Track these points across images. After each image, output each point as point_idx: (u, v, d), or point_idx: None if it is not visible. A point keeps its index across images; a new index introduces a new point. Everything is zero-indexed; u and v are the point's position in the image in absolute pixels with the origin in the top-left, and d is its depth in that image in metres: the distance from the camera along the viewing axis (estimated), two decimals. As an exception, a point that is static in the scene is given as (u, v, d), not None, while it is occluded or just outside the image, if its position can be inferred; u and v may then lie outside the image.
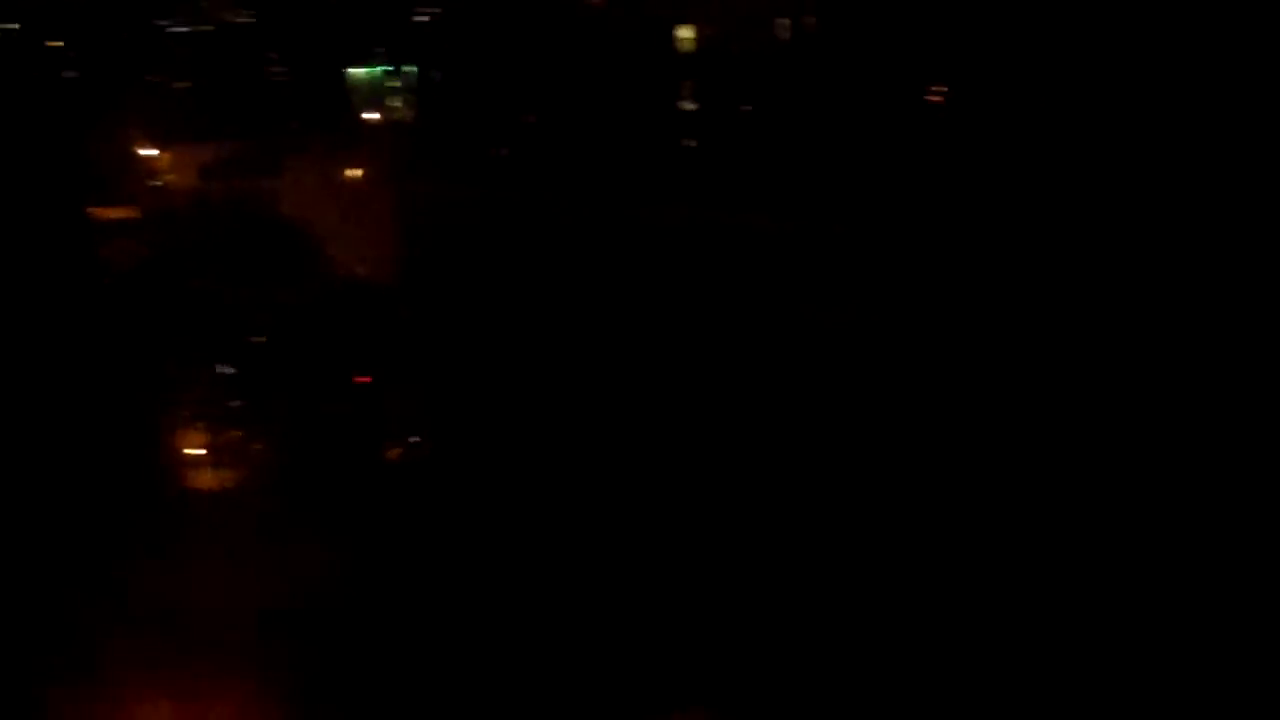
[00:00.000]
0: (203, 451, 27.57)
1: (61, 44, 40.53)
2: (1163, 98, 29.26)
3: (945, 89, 34.07)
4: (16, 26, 39.99)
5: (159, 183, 36.60)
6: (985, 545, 20.96)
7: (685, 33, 38.92)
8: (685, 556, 22.40)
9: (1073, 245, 27.91)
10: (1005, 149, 31.30)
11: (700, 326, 29.96)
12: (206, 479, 27.08)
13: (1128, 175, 28.54)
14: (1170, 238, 26.71)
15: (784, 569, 21.67)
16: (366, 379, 29.53)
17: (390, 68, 43.56)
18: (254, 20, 43.31)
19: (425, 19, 45.89)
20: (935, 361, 26.59)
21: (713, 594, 21.28)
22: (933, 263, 29.69)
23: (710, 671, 19.56)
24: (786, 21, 37.64)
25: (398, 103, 41.67)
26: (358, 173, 36.65)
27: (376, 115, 41.16)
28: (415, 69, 42.41)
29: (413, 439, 28.41)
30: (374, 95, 41.89)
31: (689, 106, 38.47)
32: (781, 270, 31.28)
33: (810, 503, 23.42)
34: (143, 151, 36.55)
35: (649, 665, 19.83)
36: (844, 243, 31.46)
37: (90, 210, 34.73)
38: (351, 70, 42.09)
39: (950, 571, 20.59)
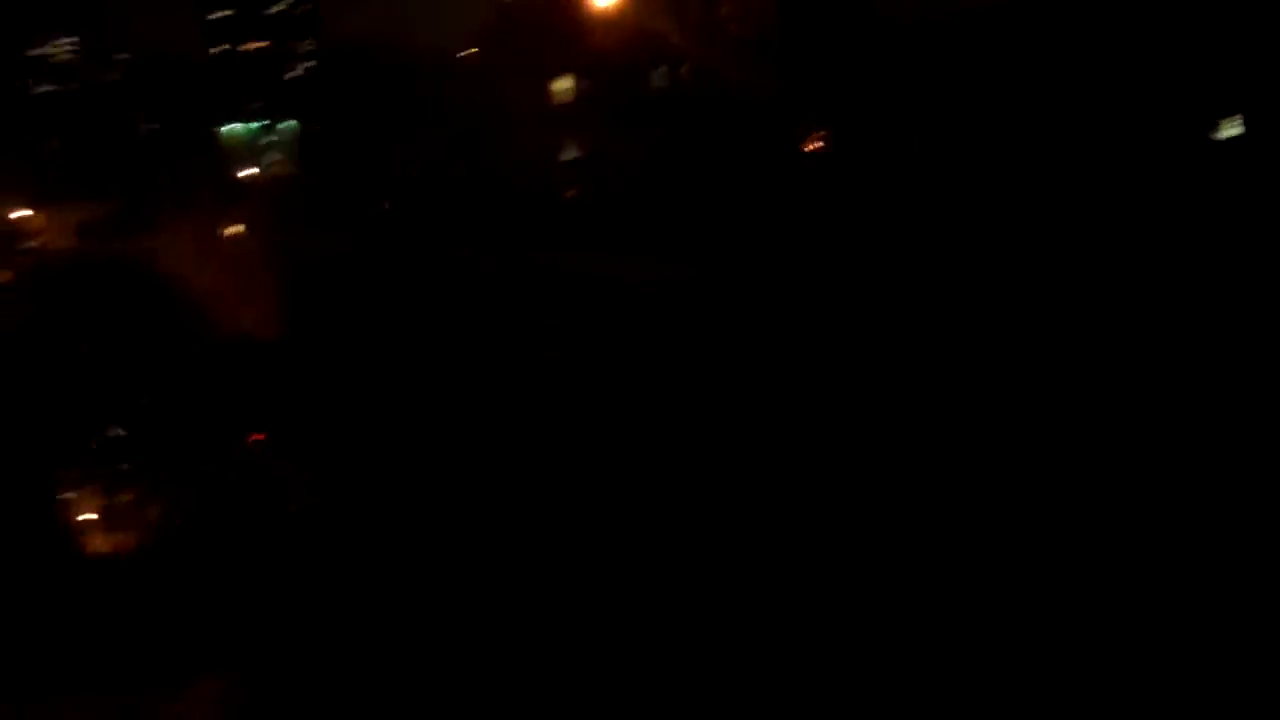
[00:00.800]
0: (94, 516, 27.04)
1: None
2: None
3: (826, 136, 35.00)
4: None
5: (34, 244, 35.96)
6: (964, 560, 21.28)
7: (564, 84, 39.46)
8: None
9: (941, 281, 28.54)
10: (881, 191, 32.10)
11: (581, 368, 30.07)
12: (98, 543, 26.53)
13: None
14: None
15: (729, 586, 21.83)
16: (260, 436, 29.20)
17: (267, 122, 43.39)
18: (124, 79, 42.91)
19: (302, 74, 45.89)
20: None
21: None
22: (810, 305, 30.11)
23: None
24: (664, 70, 38.33)
25: (276, 157, 41.52)
26: (237, 229, 36.38)
27: (254, 170, 40.98)
28: (294, 123, 42.32)
29: (304, 496, 28.14)
30: (251, 151, 41.69)
31: (569, 155, 38.87)
32: (656, 312, 31.53)
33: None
34: (14, 214, 35.93)
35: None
36: (725, 285, 31.86)
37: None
38: (227, 127, 41.85)
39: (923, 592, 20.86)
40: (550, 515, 25.04)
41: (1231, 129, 29.88)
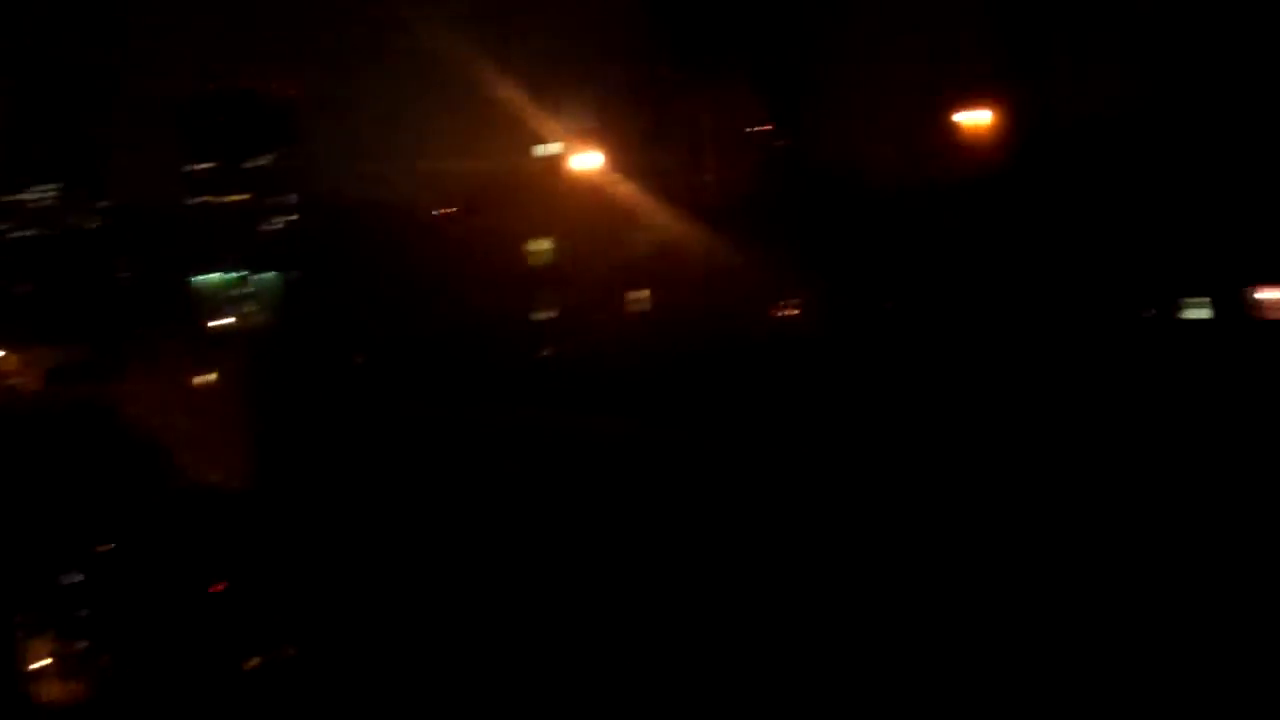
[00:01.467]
0: (48, 662, 26.43)
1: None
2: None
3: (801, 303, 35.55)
4: None
5: (3, 386, 35.72)
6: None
7: (542, 244, 39.93)
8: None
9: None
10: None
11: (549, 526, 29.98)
12: (53, 691, 25.89)
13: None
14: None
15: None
16: (220, 587, 28.72)
17: (244, 274, 43.61)
18: (103, 225, 43.18)
19: (281, 227, 46.30)
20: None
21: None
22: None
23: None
24: (642, 235, 38.90)
25: (251, 308, 41.63)
26: (207, 378, 36.27)
27: (228, 320, 41.02)
28: (271, 274, 42.54)
29: (268, 648, 27.62)
30: (225, 301, 41.81)
31: (543, 315, 39.16)
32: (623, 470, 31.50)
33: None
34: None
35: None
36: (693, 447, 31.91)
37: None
38: (204, 277, 42.02)
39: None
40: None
41: (1197, 310, 30.50)
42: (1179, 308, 31.02)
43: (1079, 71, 34.85)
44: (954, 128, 34.99)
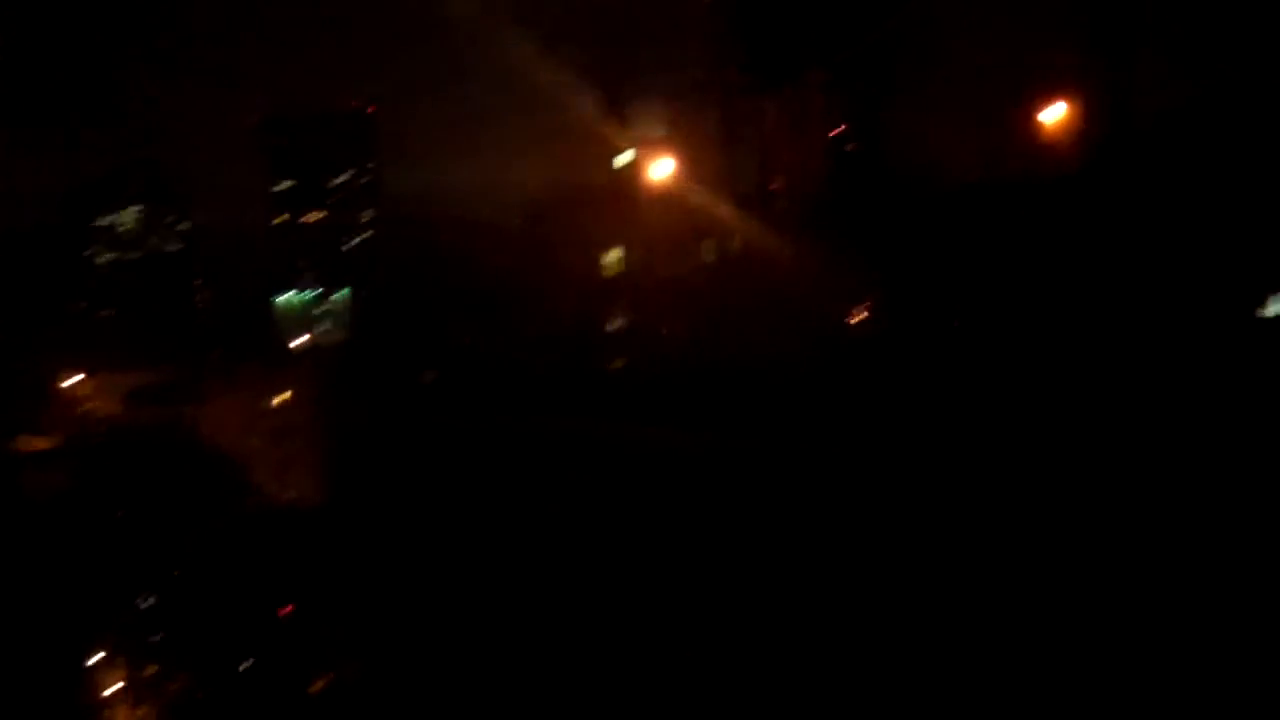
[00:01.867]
0: (121, 686, 26.73)
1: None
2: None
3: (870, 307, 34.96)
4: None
5: (83, 410, 36.19)
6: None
7: (616, 254, 39.73)
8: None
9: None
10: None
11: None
12: (124, 716, 26.19)
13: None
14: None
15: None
16: (289, 609, 28.88)
17: (319, 291, 43.90)
18: (184, 248, 43.69)
19: (358, 244, 46.55)
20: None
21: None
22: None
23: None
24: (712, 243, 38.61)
25: (327, 326, 41.88)
26: (284, 398, 36.48)
27: (306, 339, 41.28)
28: (347, 292, 42.77)
29: (338, 669, 27.70)
30: (304, 319, 42.09)
31: (615, 325, 38.93)
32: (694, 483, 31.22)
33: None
34: (67, 381, 36.25)
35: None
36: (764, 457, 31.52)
37: (11, 442, 34.23)
38: (283, 296, 42.35)
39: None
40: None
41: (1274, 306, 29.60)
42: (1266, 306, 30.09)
43: (1161, 68, 33.88)
44: (1037, 128, 34.23)
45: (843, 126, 40.93)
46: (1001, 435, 27.79)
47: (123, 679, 26.92)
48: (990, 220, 34.28)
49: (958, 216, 35.14)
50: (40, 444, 34.59)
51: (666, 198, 39.20)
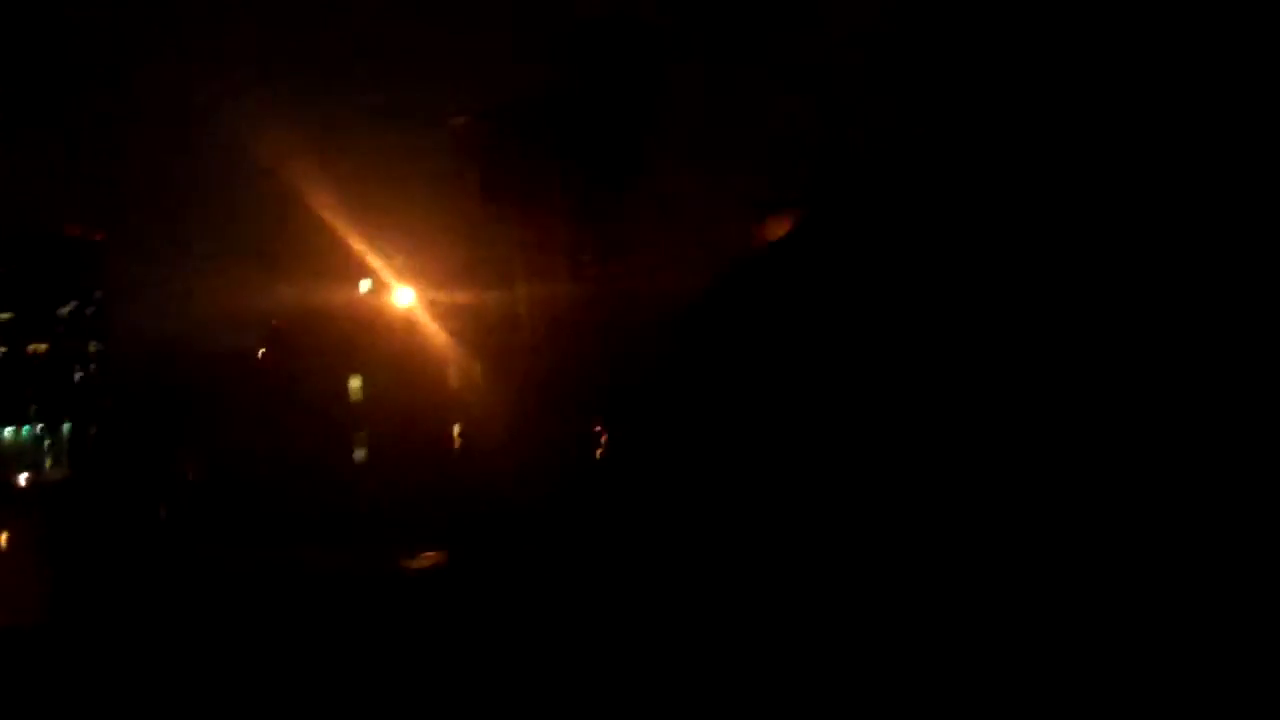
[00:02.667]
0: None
1: None
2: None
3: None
4: None
5: None
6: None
7: (353, 383, 39.57)
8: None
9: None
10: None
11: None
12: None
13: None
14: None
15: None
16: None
17: (42, 425, 42.32)
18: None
19: (82, 375, 45.08)
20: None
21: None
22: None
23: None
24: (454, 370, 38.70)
25: (51, 461, 40.32)
26: (6, 535, 35.04)
27: (27, 476, 39.62)
28: (70, 425, 41.25)
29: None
30: (24, 456, 40.45)
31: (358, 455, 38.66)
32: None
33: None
34: None
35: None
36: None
37: None
38: (6, 430, 40.66)
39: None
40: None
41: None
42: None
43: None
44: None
45: (583, 253, 41.82)
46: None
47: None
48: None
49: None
50: None
51: (408, 325, 39.30)
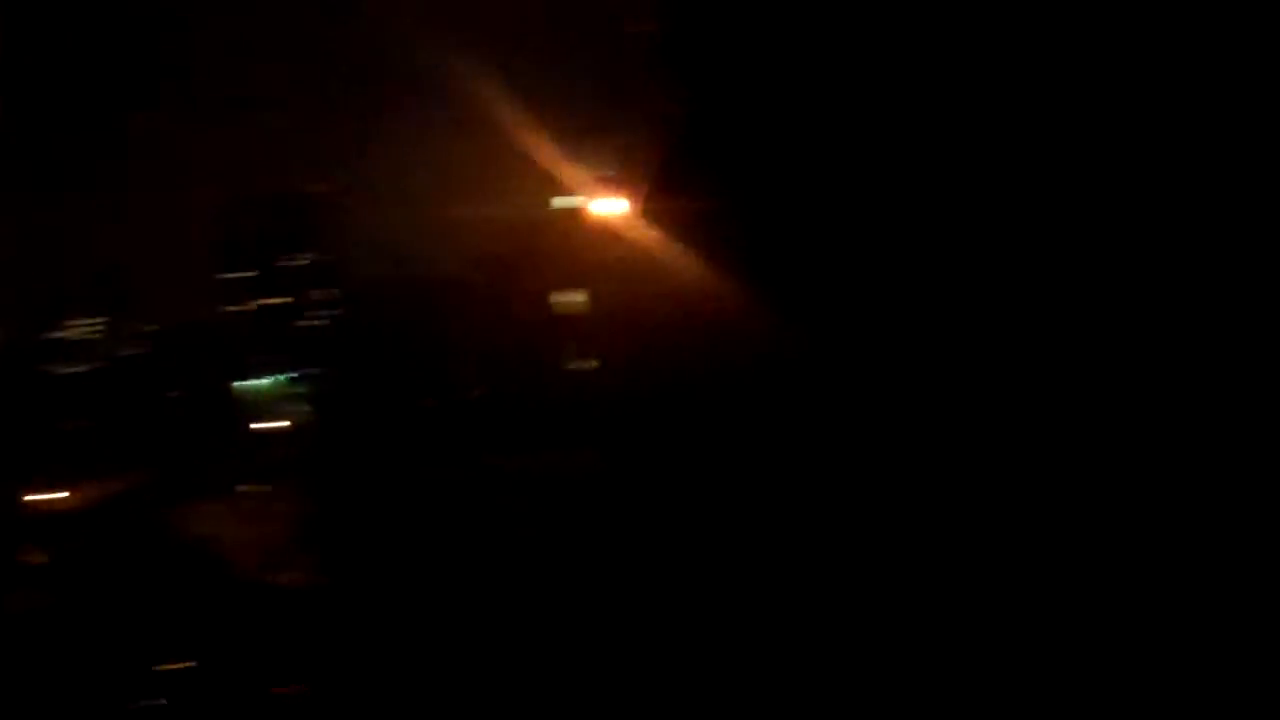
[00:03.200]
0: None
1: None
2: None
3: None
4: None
5: (64, 522, 36.02)
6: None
7: (571, 296, 39.53)
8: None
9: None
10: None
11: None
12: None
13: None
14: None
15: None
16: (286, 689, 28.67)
17: (293, 375, 43.79)
18: (150, 349, 43.62)
19: (326, 323, 46.47)
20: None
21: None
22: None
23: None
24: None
25: (300, 408, 41.68)
26: (263, 485, 36.43)
27: (281, 424, 41.10)
28: (317, 371, 42.63)
29: None
30: (276, 404, 41.96)
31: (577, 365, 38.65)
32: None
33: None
34: (38, 495, 36.09)
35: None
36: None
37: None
38: (251, 382, 42.27)
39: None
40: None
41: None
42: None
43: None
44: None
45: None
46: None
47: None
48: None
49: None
50: (25, 559, 34.44)
51: (619, 237, 39.00)
